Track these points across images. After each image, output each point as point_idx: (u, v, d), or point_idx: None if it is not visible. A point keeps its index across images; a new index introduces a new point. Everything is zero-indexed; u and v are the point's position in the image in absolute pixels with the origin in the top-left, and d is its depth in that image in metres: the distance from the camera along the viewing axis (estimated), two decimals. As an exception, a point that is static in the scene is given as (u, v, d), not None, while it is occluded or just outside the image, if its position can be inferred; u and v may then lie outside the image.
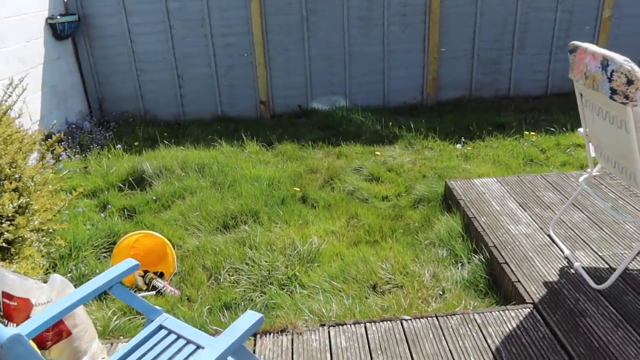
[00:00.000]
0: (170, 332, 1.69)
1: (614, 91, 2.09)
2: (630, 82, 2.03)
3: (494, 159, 4.39)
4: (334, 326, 2.31)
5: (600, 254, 2.67)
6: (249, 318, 1.37)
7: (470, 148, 4.67)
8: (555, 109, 5.58)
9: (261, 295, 2.75)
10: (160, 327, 1.70)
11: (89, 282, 1.61)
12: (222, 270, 2.98)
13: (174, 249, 3.16)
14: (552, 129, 5.03)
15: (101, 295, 2.71)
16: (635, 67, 2.05)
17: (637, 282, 2.43)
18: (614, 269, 2.50)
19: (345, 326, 2.31)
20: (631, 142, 2.14)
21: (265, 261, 2.99)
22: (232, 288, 2.85)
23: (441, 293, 2.68)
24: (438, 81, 6.11)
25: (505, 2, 5.86)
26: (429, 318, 2.31)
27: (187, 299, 2.79)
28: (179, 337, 1.67)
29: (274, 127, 5.59)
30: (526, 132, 4.95)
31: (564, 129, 4.99)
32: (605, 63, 2.14)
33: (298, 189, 3.94)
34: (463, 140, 4.85)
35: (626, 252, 2.66)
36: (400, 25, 5.89)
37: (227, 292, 2.80)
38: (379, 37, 5.92)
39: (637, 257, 2.60)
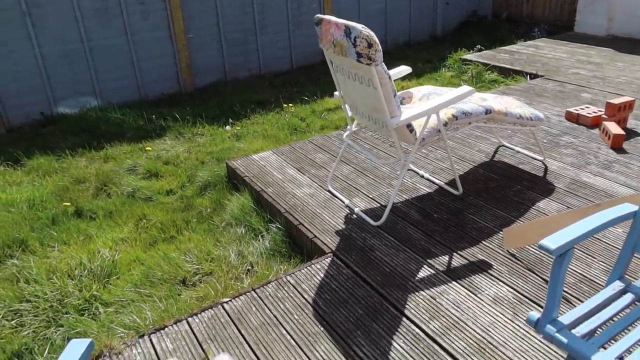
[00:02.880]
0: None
1: (359, 55, 2.42)
2: (370, 45, 2.38)
3: (263, 134, 4.62)
4: (154, 332, 2.18)
5: (370, 196, 3.11)
6: (75, 348, 1.19)
7: (239, 128, 4.82)
8: (303, 81, 6.14)
9: (58, 330, 2.40)
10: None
11: None
12: (-5, 318, 2.50)
13: None
14: (306, 99, 5.53)
15: None
16: (372, 32, 2.40)
17: (402, 211, 2.92)
18: (384, 206, 2.95)
19: (167, 328, 2.20)
20: (379, 96, 2.52)
21: (51, 291, 2.61)
22: (17, 333, 2.42)
23: (250, 268, 2.76)
24: (192, 67, 6.07)
25: (240, -16, 6.12)
26: (247, 293, 2.37)
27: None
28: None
29: (16, 141, 4.79)
30: (285, 105, 5.34)
31: (314, 97, 5.54)
32: (348, 31, 2.45)
33: (69, 204, 3.50)
34: (231, 121, 4.96)
35: (389, 190, 3.16)
36: (141, 14, 5.61)
37: (10, 340, 2.36)
38: (120, 28, 5.54)
39: (398, 193, 3.12)
